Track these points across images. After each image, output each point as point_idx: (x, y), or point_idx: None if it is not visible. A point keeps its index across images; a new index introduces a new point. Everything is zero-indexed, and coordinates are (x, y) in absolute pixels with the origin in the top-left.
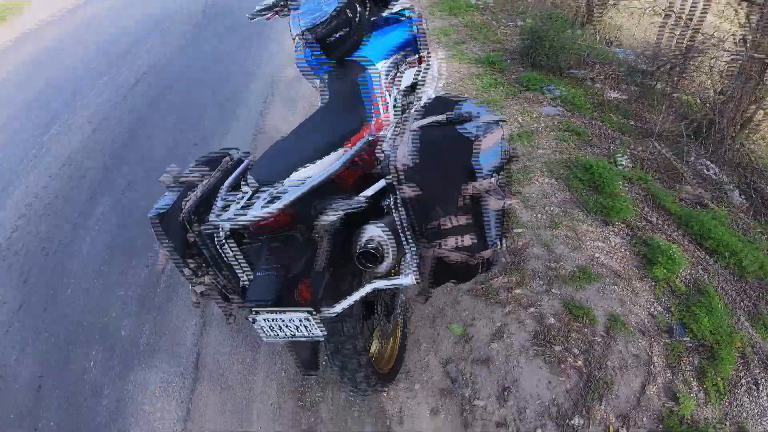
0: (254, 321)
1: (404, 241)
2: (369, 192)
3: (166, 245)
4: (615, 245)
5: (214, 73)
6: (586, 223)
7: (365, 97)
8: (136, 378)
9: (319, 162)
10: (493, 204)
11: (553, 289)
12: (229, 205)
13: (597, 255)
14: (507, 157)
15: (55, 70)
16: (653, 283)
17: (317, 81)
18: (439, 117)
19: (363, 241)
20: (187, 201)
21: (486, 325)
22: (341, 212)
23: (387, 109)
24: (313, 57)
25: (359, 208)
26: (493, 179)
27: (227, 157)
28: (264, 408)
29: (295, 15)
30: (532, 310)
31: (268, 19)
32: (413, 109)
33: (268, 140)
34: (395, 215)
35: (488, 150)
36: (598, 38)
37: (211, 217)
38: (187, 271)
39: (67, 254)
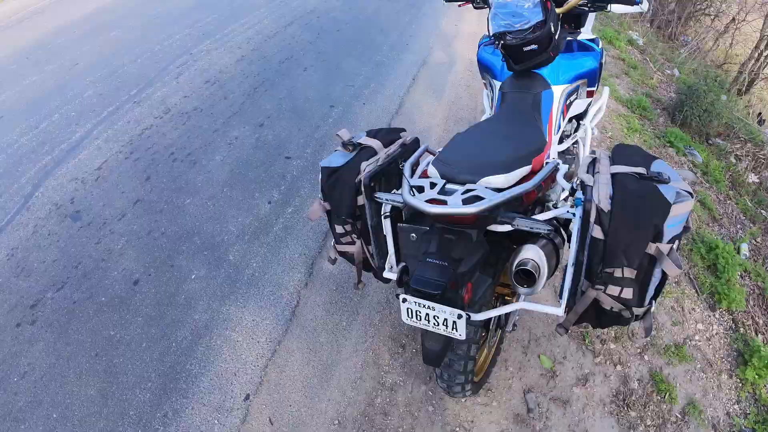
0: (404, 300)
1: (568, 274)
2: (548, 216)
3: (328, 199)
4: (715, 333)
5: (369, 33)
6: (694, 301)
7: (543, 115)
8: (232, 305)
9: (510, 174)
10: (671, 270)
11: (645, 356)
12: (421, 188)
13: (696, 337)
14: (685, 228)
15: None
16: (740, 383)
17: (495, 82)
18: (639, 170)
19: (522, 259)
20: (369, 165)
21: (574, 367)
22: (522, 228)
23: (553, 135)
24: (500, 59)
25: (540, 232)
26: (674, 246)
27: (404, 133)
28: (344, 374)
29: (495, 13)
30: (619, 368)
31: (460, 5)
32: (581, 143)
33: (405, 121)
34: (571, 247)
35: (677, 217)
36: (750, 113)
37: (406, 196)
38: (339, 229)
39: (194, 166)
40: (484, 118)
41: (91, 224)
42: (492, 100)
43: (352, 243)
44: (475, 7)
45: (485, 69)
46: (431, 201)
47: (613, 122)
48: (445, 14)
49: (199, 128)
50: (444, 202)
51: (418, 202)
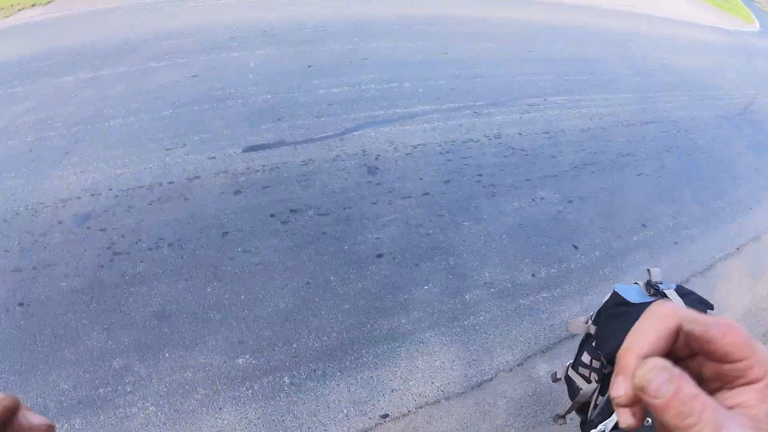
0: None
1: None
2: None
3: (600, 325)
4: None
5: (717, 174)
6: None
7: None
8: (436, 334)
9: None
10: None
11: None
12: None
13: None
14: None
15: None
16: None
17: None
18: None
19: None
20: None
21: None
22: None
23: None
24: None
25: None
26: None
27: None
28: None
29: None
30: None
31: None
32: None
33: (704, 286)
34: None
35: None
36: None
37: None
38: (586, 359)
39: (491, 197)
40: None
41: (379, 185)
42: None
43: (588, 380)
44: None
45: None
46: None
47: None
48: None
49: (514, 168)
50: None
51: None
